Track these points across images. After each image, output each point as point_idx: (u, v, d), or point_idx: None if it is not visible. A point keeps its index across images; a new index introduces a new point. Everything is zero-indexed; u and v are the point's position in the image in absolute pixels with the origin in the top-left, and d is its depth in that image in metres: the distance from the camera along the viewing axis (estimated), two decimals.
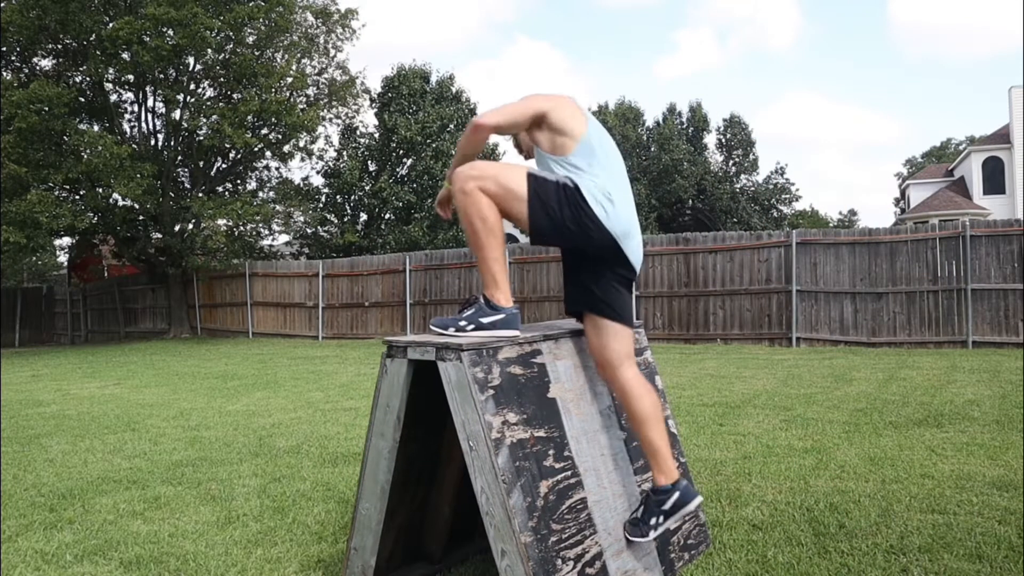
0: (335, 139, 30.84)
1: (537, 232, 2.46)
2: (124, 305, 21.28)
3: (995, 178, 31.30)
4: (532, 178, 2.43)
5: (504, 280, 2.47)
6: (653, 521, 2.50)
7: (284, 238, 24.90)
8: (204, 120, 18.61)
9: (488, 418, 2.23)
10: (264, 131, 19.73)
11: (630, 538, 2.52)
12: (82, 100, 18.51)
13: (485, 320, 2.43)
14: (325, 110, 21.71)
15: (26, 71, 18.88)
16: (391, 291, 16.06)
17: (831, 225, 48.65)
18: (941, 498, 3.51)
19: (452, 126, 26.73)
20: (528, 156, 2.74)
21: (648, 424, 2.50)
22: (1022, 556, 2.77)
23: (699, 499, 2.56)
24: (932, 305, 11.50)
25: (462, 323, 2.43)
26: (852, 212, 57.72)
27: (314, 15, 20.37)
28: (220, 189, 21.24)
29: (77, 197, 18.43)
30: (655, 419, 2.51)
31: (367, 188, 25.95)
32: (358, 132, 27.02)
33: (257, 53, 19.22)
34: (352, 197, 26.41)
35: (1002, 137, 31.43)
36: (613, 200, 2.44)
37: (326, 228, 25.94)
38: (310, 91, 21.10)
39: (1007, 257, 11.09)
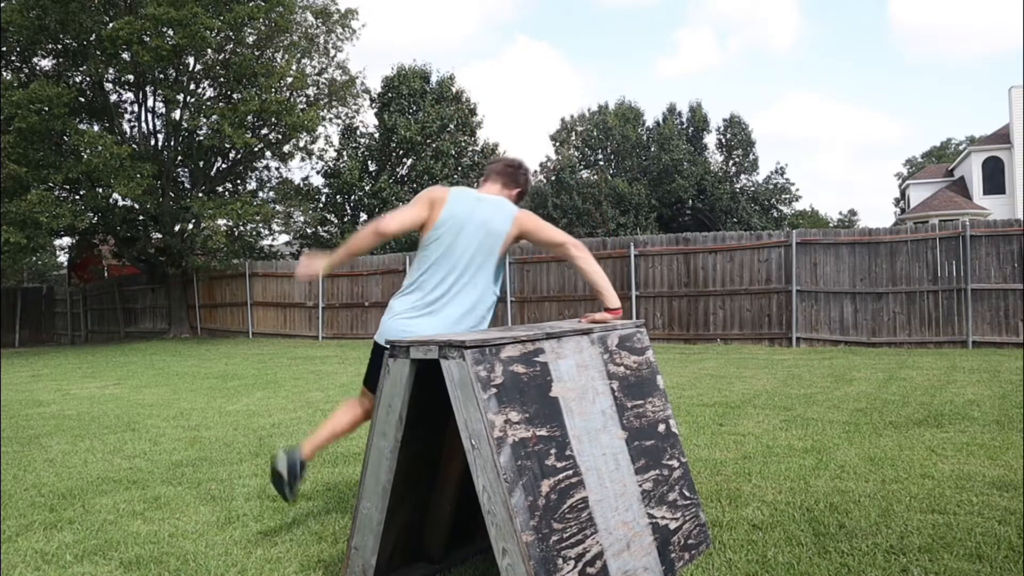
0: (335, 139, 30.81)
1: None
2: (124, 305, 21.28)
3: (995, 178, 31.30)
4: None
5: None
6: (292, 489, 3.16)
7: (284, 238, 24.90)
8: (204, 120, 18.59)
9: (491, 417, 2.23)
10: (264, 131, 19.71)
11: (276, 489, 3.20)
12: (82, 100, 18.49)
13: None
14: (325, 110, 21.69)
15: (26, 71, 18.86)
16: (391, 291, 16.04)
17: (831, 225, 48.63)
18: (941, 498, 3.51)
19: (452, 126, 26.71)
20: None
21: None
22: (1022, 556, 2.77)
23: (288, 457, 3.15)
24: (932, 305, 11.51)
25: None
26: (852, 212, 57.67)
27: (314, 15, 20.36)
28: (220, 189, 21.22)
29: (77, 197, 18.42)
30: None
31: (367, 188, 25.93)
32: (358, 132, 27.01)
33: (257, 53, 19.20)
34: (352, 197, 26.39)
35: (1002, 137, 31.43)
36: (392, 307, 2.94)
37: (326, 228, 25.92)
38: (310, 91, 21.09)
39: (1007, 257, 11.09)
